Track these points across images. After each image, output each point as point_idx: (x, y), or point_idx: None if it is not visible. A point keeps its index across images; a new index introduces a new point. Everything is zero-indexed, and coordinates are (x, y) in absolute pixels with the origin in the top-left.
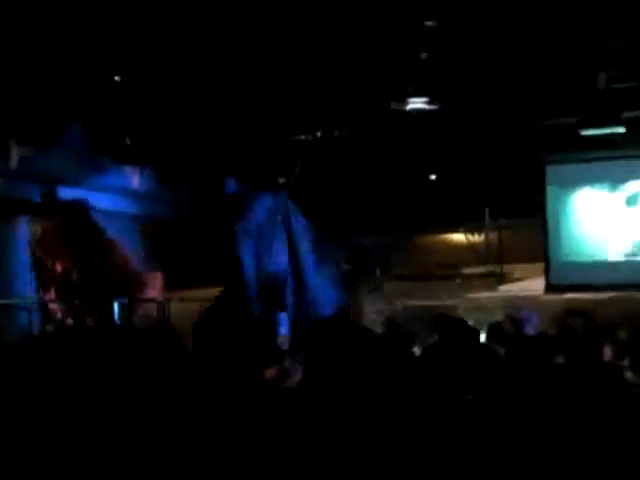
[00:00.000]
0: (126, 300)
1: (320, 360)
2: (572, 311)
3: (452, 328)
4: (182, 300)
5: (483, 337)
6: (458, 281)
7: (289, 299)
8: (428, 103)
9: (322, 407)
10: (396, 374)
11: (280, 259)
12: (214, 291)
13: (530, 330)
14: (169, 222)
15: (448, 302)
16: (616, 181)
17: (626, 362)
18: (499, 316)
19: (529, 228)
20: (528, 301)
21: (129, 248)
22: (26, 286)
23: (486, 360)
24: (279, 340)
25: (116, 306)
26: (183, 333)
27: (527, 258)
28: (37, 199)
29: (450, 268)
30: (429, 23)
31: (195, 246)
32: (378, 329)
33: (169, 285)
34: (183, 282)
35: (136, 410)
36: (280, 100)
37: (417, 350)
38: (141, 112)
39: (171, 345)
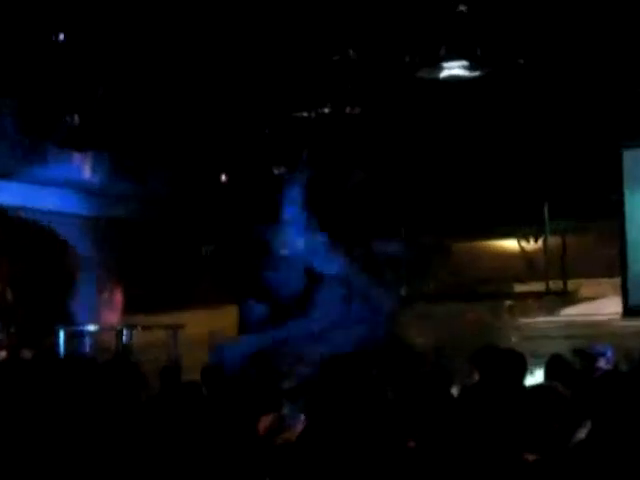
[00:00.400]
0: (75, 327)
1: (327, 409)
2: None
3: (498, 364)
4: (145, 328)
5: (540, 374)
6: (508, 302)
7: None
8: (467, 69)
9: (324, 469)
10: (425, 424)
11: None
12: (191, 315)
13: (603, 366)
14: (132, 225)
15: (494, 328)
16: None
17: None
18: (562, 348)
19: (601, 233)
20: (600, 328)
21: (80, 259)
22: None
23: (543, 405)
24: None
25: (61, 335)
26: (148, 370)
27: (598, 272)
28: None
29: (498, 284)
30: None
31: (166, 256)
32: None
33: (131, 307)
34: (150, 304)
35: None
36: (276, 66)
37: (455, 390)
38: (95, 81)
39: (132, 387)
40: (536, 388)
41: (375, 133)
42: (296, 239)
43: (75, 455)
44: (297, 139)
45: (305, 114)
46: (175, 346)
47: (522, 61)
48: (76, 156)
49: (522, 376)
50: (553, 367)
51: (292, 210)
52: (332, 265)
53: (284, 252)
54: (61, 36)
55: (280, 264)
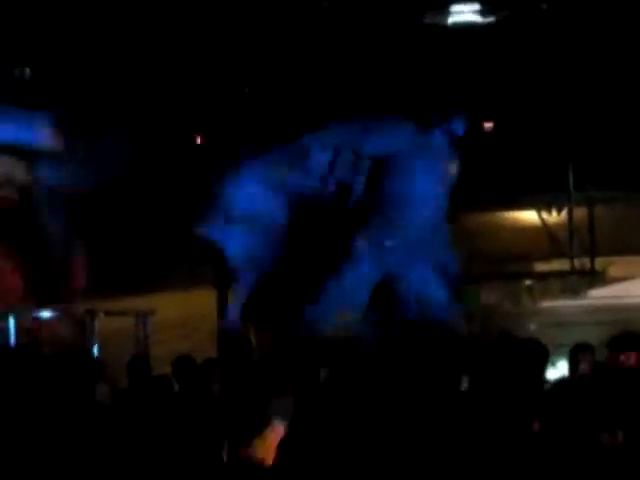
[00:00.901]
0: (28, 313)
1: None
2: None
3: (515, 354)
4: (109, 314)
5: (564, 366)
6: (528, 282)
7: None
8: (480, 14)
9: None
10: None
11: None
12: (162, 299)
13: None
14: (91, 195)
15: (511, 313)
16: None
17: None
18: (588, 335)
19: (634, 204)
20: (632, 312)
21: (34, 235)
22: None
23: (567, 402)
24: None
25: (11, 322)
26: (113, 363)
27: (631, 249)
28: None
29: (517, 263)
30: None
31: (132, 231)
32: None
33: (93, 290)
34: (114, 286)
35: None
36: (257, 11)
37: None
38: (49, 29)
39: (85, 382)
40: (559, 383)
41: (373, 86)
42: None
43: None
44: (284, 97)
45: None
46: (145, 335)
47: (545, 5)
48: (26, 115)
49: (542, 368)
50: (577, 358)
51: None
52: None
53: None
54: None
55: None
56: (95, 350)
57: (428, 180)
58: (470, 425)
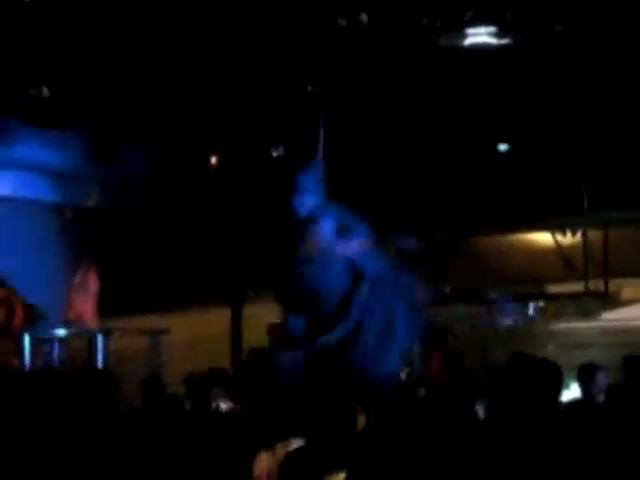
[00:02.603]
0: (41, 332)
1: None
2: None
3: (529, 376)
4: (124, 333)
5: (577, 388)
6: (541, 304)
7: None
8: (495, 36)
9: None
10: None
11: None
12: (177, 319)
13: None
14: (106, 214)
15: (527, 334)
16: None
17: None
18: (602, 356)
19: None
20: None
21: (46, 252)
22: None
23: (581, 423)
24: None
25: (27, 341)
26: (126, 382)
27: None
28: None
29: (530, 284)
30: None
31: (147, 251)
32: None
33: (107, 309)
34: (128, 305)
35: None
36: (274, 31)
37: (481, 409)
38: (65, 49)
39: (107, 402)
40: (573, 404)
41: (387, 111)
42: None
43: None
44: (300, 117)
45: (309, 88)
46: (158, 354)
47: (560, 27)
48: (42, 134)
49: (557, 390)
50: (587, 379)
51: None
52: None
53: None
54: None
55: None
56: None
57: None
58: (488, 450)
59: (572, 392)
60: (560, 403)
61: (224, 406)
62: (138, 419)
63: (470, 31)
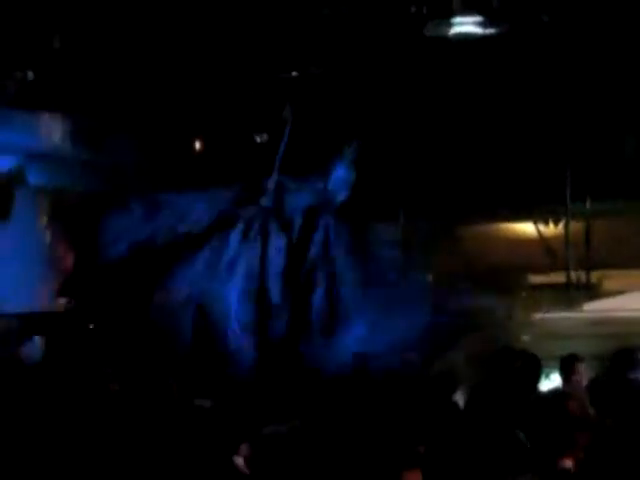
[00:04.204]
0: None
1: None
2: None
3: (509, 366)
4: None
5: (558, 378)
6: (523, 294)
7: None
8: (481, 25)
9: None
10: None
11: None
12: None
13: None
14: (96, 199)
15: (507, 324)
16: None
17: None
18: (584, 347)
19: (633, 216)
20: (629, 326)
21: (34, 240)
22: None
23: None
24: None
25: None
26: None
27: (628, 262)
28: None
29: (512, 274)
30: None
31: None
32: None
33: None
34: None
35: None
36: (258, 17)
37: (460, 398)
38: (51, 30)
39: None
40: (553, 394)
41: (371, 97)
42: None
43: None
44: (282, 103)
45: (292, 74)
46: None
47: (546, 17)
48: (28, 117)
49: (536, 380)
50: (570, 369)
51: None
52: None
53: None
54: None
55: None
56: None
57: None
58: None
59: (553, 382)
60: (540, 393)
61: None
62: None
63: (456, 20)
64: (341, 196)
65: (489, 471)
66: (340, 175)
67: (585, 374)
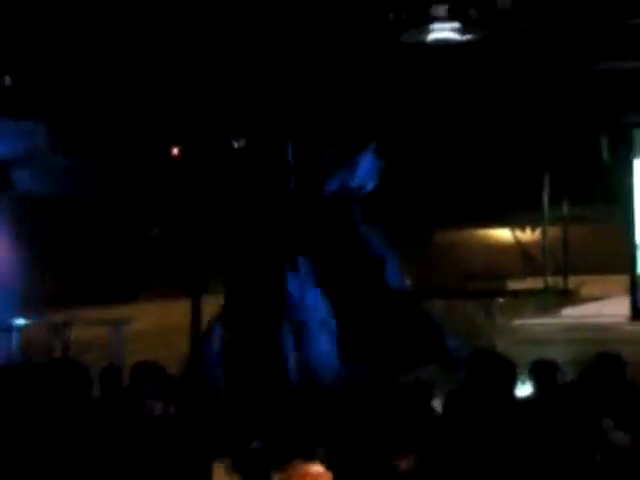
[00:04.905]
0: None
1: None
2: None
3: (486, 370)
4: (84, 323)
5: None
6: (501, 300)
7: None
8: (458, 32)
9: None
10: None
11: None
12: (136, 309)
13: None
14: (66, 203)
15: (485, 330)
16: None
17: None
18: (561, 353)
19: (608, 223)
20: (605, 332)
21: (6, 243)
22: None
23: (533, 420)
24: None
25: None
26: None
27: (604, 267)
28: None
29: (489, 280)
30: None
31: (107, 241)
32: None
33: (67, 300)
34: (89, 295)
35: None
36: (234, 23)
37: (438, 404)
38: (29, 37)
39: (77, 393)
40: (527, 402)
41: (349, 102)
42: None
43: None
44: (259, 106)
45: (269, 76)
46: (119, 344)
47: (526, 24)
48: (6, 124)
49: (510, 386)
50: (541, 375)
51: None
52: None
53: None
54: None
55: None
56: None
57: None
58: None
59: (529, 388)
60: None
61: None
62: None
63: (434, 27)
64: (370, 185)
65: (467, 476)
66: (367, 165)
67: (558, 380)
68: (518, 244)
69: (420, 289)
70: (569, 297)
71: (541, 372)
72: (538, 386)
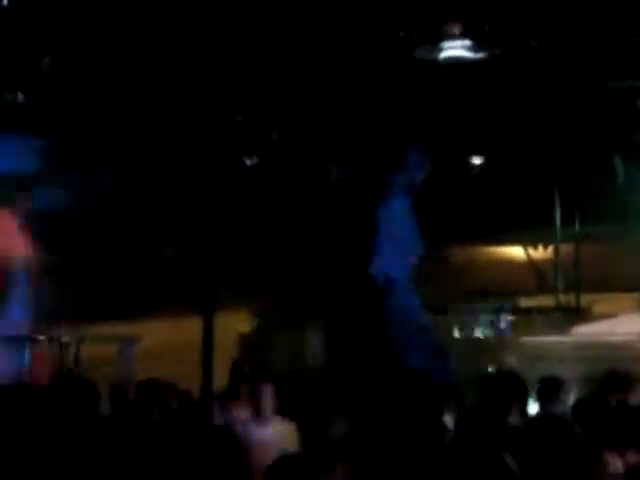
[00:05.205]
0: (10, 337)
1: None
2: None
3: (494, 388)
4: (94, 340)
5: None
6: (513, 317)
7: None
8: (470, 49)
9: None
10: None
11: None
12: (146, 326)
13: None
14: (78, 220)
15: (495, 348)
16: None
17: None
18: (572, 370)
19: (620, 240)
20: (617, 350)
21: (25, 259)
22: None
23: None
24: None
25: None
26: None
27: (617, 286)
28: None
29: (501, 297)
30: None
31: (118, 257)
32: None
33: (77, 316)
34: (99, 312)
35: None
36: (243, 41)
37: (450, 420)
38: (41, 53)
39: (87, 412)
40: (540, 419)
41: (356, 121)
42: None
43: None
44: (271, 125)
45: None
46: (129, 361)
47: (535, 42)
48: (14, 140)
49: (524, 402)
50: (548, 392)
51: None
52: None
53: None
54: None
55: None
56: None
57: None
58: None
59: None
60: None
61: None
62: (107, 425)
63: (446, 44)
64: (420, 174)
65: None
66: (415, 157)
67: (565, 397)
68: (530, 262)
69: (434, 307)
70: (581, 315)
71: (545, 389)
72: (542, 403)
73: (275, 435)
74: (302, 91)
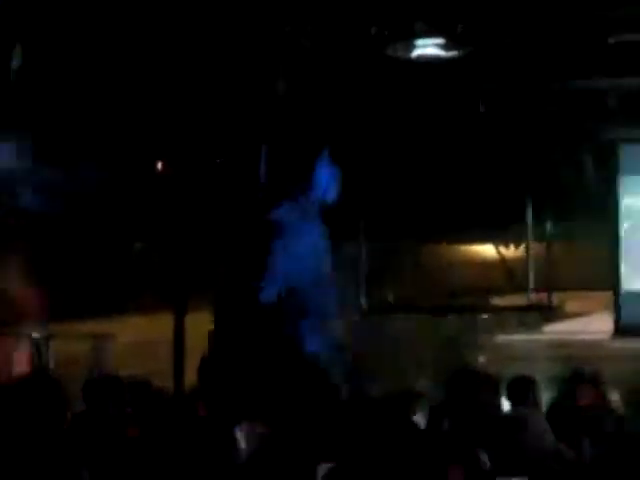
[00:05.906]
0: None
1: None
2: None
3: (468, 388)
4: (66, 338)
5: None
6: (484, 316)
7: None
8: (443, 47)
9: None
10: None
11: None
12: (119, 323)
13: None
14: (48, 218)
15: (466, 347)
16: None
17: None
18: (544, 369)
19: (592, 239)
20: (588, 349)
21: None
22: None
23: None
24: None
25: None
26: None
27: (587, 283)
28: None
29: (473, 296)
30: None
31: (91, 254)
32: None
33: (52, 313)
34: (72, 309)
35: None
36: (217, 39)
37: (421, 418)
38: (12, 48)
39: (52, 408)
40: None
41: (331, 116)
42: None
43: None
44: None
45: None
46: (102, 358)
47: (509, 41)
48: None
49: (494, 402)
50: (518, 392)
51: None
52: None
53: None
54: None
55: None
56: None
57: None
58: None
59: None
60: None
61: None
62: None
63: (418, 42)
64: (330, 195)
65: None
66: (324, 175)
67: (535, 397)
68: (502, 260)
69: (403, 305)
70: (553, 313)
71: (516, 388)
72: (513, 403)
73: None
74: (265, 89)
